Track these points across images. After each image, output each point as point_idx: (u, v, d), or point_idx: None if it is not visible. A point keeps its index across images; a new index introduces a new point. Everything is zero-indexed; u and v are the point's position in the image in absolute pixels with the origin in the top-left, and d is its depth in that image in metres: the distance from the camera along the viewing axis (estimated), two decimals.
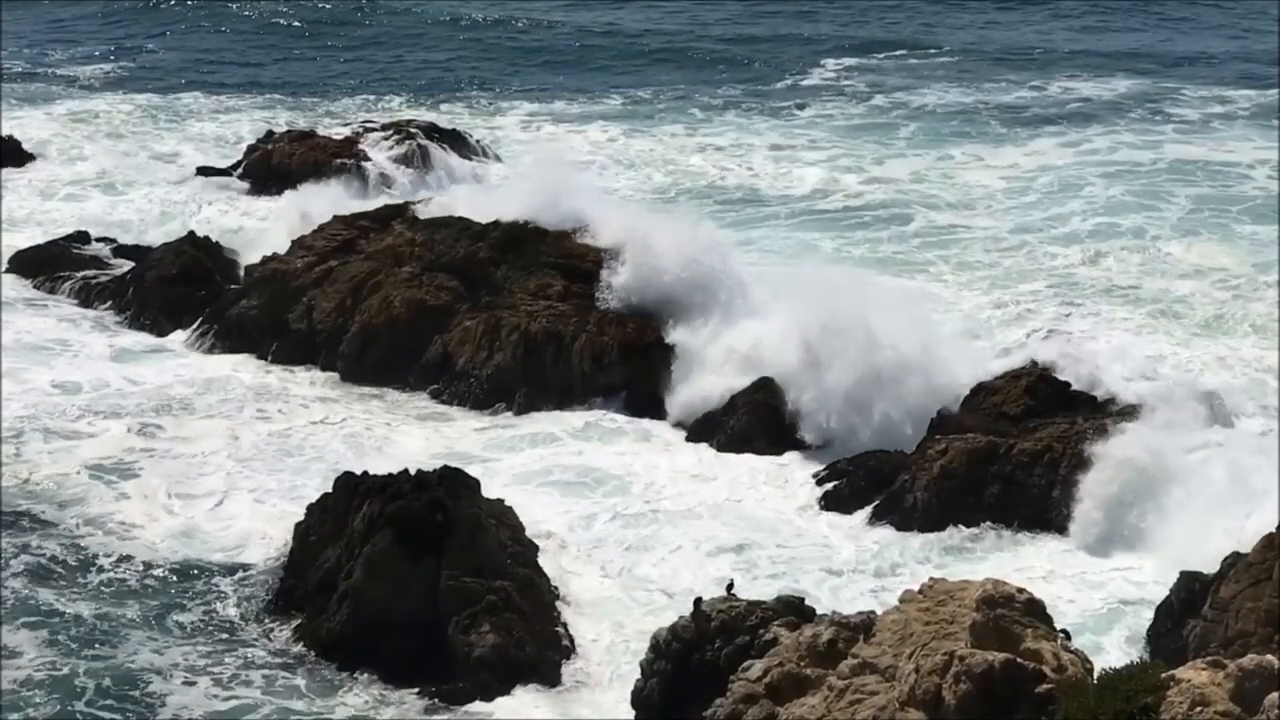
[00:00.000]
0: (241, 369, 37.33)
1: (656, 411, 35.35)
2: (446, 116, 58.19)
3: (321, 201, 43.99)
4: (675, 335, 36.38)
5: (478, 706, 24.48)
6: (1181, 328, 39.36)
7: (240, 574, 28.08)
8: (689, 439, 34.32)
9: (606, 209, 40.17)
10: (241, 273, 41.14)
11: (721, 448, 33.72)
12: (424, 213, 40.41)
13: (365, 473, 27.85)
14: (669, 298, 36.93)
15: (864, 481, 31.41)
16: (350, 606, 25.78)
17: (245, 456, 32.70)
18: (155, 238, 44.85)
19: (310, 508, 27.89)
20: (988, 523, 29.92)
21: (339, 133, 53.03)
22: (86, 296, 41.51)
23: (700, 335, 36.20)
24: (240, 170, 51.19)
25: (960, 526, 29.86)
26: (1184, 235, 46.52)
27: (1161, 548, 28.55)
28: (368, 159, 49.95)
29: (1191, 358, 37.06)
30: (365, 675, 25.11)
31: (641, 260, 37.29)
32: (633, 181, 52.74)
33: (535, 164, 48.48)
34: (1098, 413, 31.32)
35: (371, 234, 39.85)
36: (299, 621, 26.30)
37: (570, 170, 45.82)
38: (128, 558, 28.47)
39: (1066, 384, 32.20)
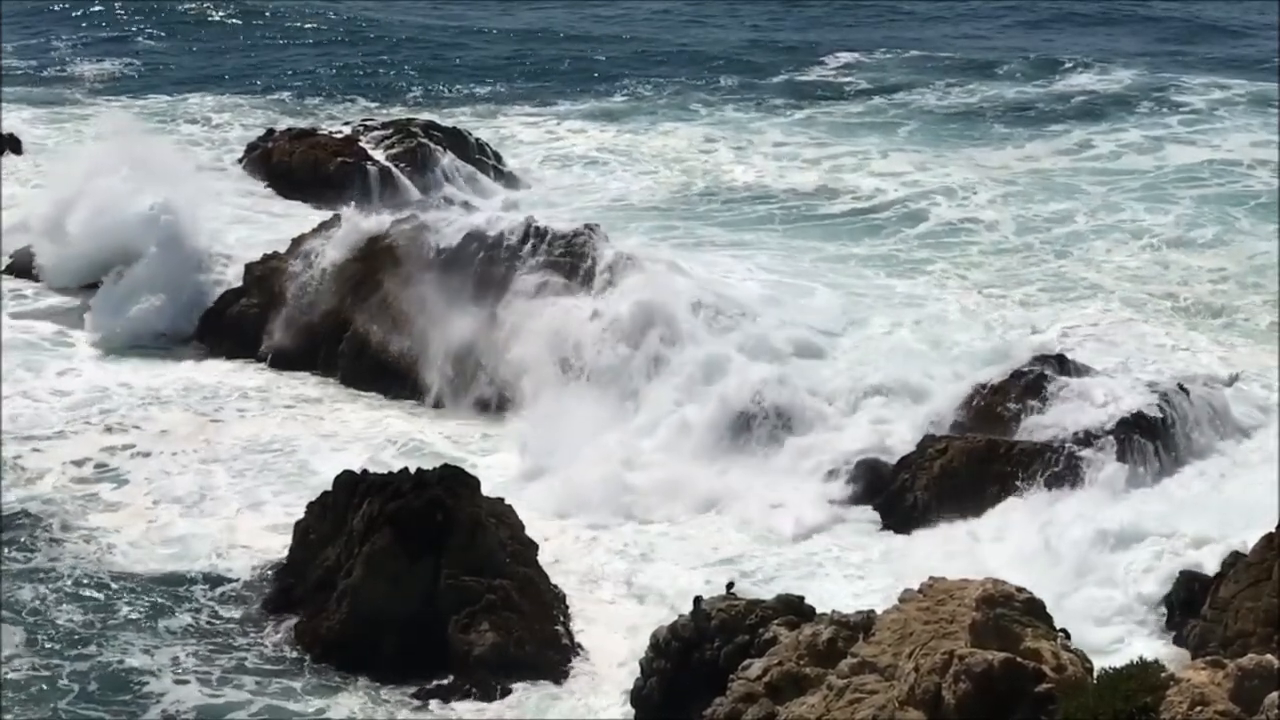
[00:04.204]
0: (237, 369, 37.24)
1: None
2: (447, 116, 58.11)
3: None
4: None
5: (477, 705, 24.44)
6: (1181, 327, 39.28)
7: (232, 575, 27.94)
8: None
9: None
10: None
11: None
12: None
13: (365, 471, 27.84)
14: None
15: (864, 481, 31.38)
16: (349, 605, 25.76)
17: (238, 457, 32.54)
18: None
19: (310, 506, 27.87)
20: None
21: (339, 131, 52.95)
22: (83, 295, 41.30)
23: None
24: (240, 168, 51.17)
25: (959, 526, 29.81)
26: (1186, 234, 46.46)
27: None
28: (368, 158, 49.88)
29: (1191, 358, 36.98)
30: (364, 674, 25.06)
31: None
32: (636, 179, 52.64)
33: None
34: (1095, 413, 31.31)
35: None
36: (297, 620, 26.28)
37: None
38: (114, 561, 28.27)
39: (1066, 384, 32.14)
